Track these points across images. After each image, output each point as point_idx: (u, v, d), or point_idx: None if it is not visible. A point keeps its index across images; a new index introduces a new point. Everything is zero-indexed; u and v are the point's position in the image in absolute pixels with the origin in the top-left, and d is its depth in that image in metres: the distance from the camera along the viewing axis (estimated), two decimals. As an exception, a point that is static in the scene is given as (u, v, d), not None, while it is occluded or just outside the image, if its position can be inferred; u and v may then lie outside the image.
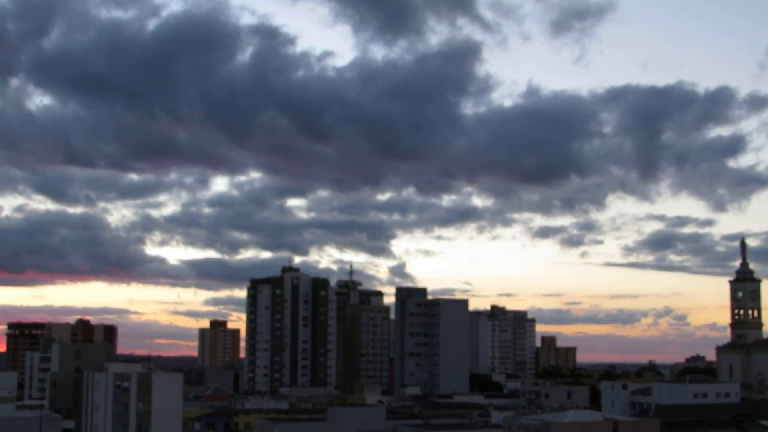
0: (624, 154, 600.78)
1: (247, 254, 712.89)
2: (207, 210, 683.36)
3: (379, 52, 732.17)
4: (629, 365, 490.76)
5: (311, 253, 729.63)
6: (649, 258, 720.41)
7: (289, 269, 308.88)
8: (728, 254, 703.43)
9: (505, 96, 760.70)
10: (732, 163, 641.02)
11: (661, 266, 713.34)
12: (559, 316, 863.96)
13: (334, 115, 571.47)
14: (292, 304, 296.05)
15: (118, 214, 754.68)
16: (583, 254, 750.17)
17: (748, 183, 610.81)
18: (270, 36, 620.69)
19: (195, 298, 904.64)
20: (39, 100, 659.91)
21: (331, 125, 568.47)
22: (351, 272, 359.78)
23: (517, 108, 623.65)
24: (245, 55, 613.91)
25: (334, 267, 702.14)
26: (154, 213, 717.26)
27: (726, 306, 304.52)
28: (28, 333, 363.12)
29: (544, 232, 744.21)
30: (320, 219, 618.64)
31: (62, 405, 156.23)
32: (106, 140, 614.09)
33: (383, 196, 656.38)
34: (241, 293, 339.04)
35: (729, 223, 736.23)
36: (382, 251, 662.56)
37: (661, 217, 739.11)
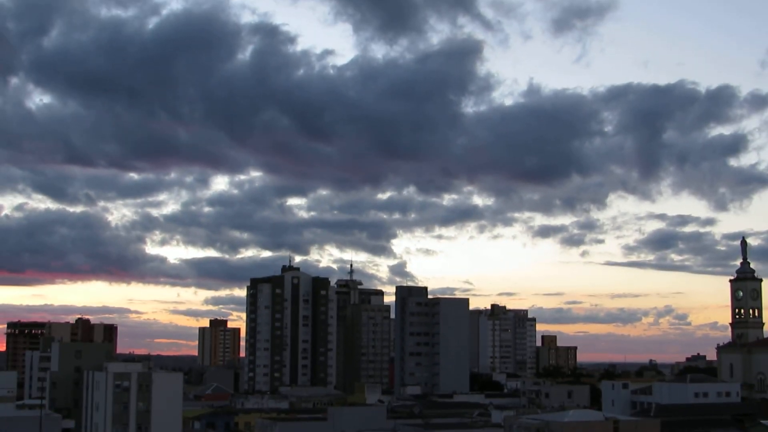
0: (625, 153, 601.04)
1: (248, 253, 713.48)
2: (207, 209, 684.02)
3: (379, 50, 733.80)
4: (630, 365, 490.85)
5: (311, 253, 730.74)
6: (650, 257, 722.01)
7: (289, 268, 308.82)
8: (729, 253, 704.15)
9: (506, 95, 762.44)
10: (733, 162, 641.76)
11: (662, 265, 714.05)
12: (560, 316, 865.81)
13: (335, 114, 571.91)
14: (293, 304, 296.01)
15: (118, 213, 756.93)
16: (584, 253, 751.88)
17: (749, 182, 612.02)
18: (270, 35, 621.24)
19: (195, 297, 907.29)
20: (39, 99, 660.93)
21: (331, 124, 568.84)
22: (351, 271, 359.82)
23: (518, 107, 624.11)
24: (245, 53, 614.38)
25: (335, 266, 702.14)
26: (154, 212, 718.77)
27: (727, 305, 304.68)
28: (28, 332, 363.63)
29: (545, 232, 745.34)
30: (320, 218, 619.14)
31: (62, 404, 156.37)
32: (106, 139, 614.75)
33: (384, 195, 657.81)
34: (241, 292, 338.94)
35: (730, 222, 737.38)
36: (383, 250, 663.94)
37: (662, 216, 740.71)
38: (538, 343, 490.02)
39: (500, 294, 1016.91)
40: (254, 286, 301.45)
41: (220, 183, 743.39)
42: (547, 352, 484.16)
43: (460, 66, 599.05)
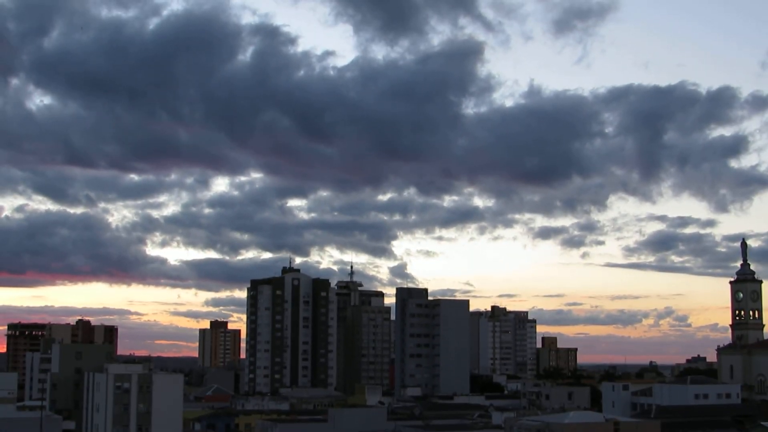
0: (625, 154, 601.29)
1: (248, 255, 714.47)
2: (207, 210, 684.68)
3: (380, 51, 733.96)
4: (630, 366, 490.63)
5: (312, 254, 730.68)
6: (651, 259, 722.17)
7: (289, 270, 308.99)
8: (730, 255, 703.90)
9: (507, 96, 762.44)
10: (734, 163, 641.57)
11: (663, 267, 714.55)
12: (560, 317, 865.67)
13: (335, 115, 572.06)
14: (293, 305, 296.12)
15: (119, 214, 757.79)
16: (584, 255, 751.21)
17: (750, 183, 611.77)
18: (271, 35, 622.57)
19: (195, 298, 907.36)
20: (39, 100, 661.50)
21: (332, 125, 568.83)
22: (351, 273, 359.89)
23: (519, 108, 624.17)
24: (246, 54, 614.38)
25: (335, 268, 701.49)
26: (155, 213, 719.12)
27: (727, 307, 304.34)
28: (29, 334, 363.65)
29: (545, 233, 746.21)
30: (321, 219, 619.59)
31: (62, 406, 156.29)
32: (106, 140, 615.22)
33: (384, 197, 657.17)
34: (242, 294, 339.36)
35: (730, 224, 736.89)
36: (383, 252, 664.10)
37: (662, 218, 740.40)
38: (539, 345, 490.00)
39: (500, 295, 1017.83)
40: (254, 287, 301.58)
41: (220, 184, 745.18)
42: (548, 354, 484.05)
43: (460, 67, 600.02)
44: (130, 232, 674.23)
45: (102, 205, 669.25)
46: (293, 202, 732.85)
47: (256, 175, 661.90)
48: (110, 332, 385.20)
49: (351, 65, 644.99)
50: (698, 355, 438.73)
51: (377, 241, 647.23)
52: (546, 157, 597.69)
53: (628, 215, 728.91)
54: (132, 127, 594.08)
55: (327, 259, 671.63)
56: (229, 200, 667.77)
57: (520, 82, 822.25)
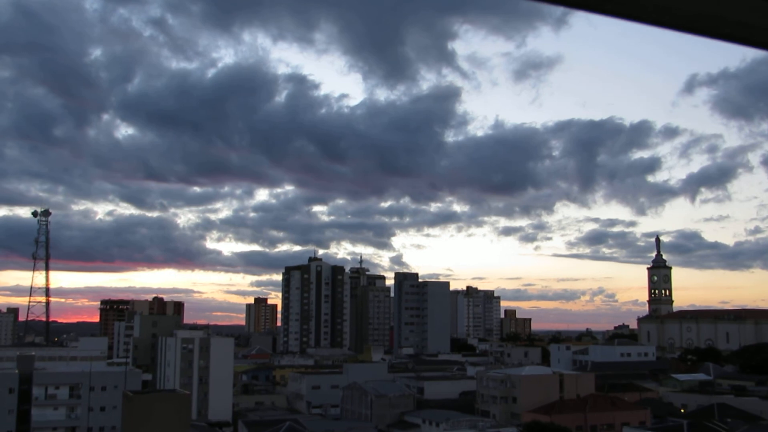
0: (568, 171, 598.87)
1: (283, 248, 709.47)
2: (252, 214, 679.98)
3: (382, 94, 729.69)
4: (571, 332, 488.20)
5: (331, 247, 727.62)
6: (587, 250, 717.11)
7: (314, 259, 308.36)
8: (647, 248, 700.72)
9: (478, 128, 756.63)
10: (650, 178, 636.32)
11: (596, 257, 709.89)
12: (518, 295, 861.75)
13: (349, 143, 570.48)
14: (317, 286, 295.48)
15: (185, 217, 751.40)
16: (537, 248, 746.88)
17: (662, 193, 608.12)
18: (300, 82, 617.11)
19: (243, 281, 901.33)
20: (124, 131, 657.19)
21: (346, 150, 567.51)
22: (361, 261, 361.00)
23: (487, 137, 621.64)
24: (281, 96, 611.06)
25: (348, 257, 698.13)
26: (212, 217, 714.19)
27: (644, 287, 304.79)
28: (116, 308, 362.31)
29: (507, 231, 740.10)
30: (338, 221, 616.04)
31: (142, 362, 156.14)
32: (175, 161, 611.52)
33: (385, 204, 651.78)
34: (278, 277, 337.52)
35: (648, 224, 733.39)
36: (385, 245, 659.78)
37: (596, 220, 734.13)
38: (502, 316, 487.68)
39: (473, 278, 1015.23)
40: (288, 272, 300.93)
41: (262, 195, 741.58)
42: (509, 323, 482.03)
43: (443, 106, 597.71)
44: (194, 230, 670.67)
45: (172, 210, 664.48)
46: (317, 208, 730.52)
47: (289, 188, 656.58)
48: (178, 306, 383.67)
49: (360, 105, 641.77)
50: (623, 324, 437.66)
51: (380, 237, 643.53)
52: (508, 174, 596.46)
53: (570, 218, 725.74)
54: (195, 151, 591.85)
55: (342, 251, 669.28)
56: (268, 207, 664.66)
57: (489, 118, 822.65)
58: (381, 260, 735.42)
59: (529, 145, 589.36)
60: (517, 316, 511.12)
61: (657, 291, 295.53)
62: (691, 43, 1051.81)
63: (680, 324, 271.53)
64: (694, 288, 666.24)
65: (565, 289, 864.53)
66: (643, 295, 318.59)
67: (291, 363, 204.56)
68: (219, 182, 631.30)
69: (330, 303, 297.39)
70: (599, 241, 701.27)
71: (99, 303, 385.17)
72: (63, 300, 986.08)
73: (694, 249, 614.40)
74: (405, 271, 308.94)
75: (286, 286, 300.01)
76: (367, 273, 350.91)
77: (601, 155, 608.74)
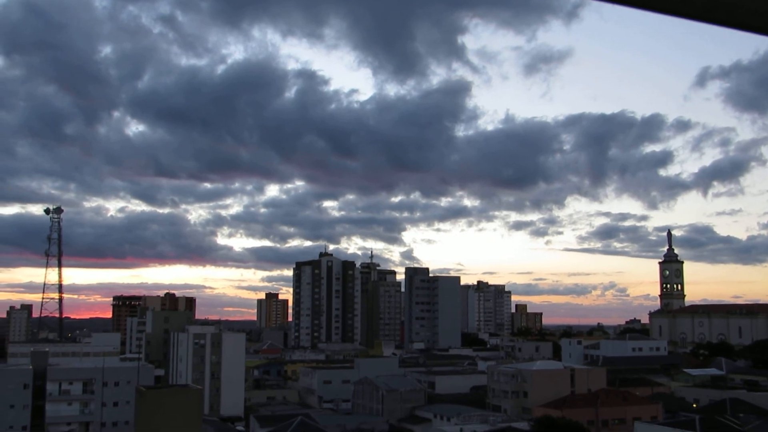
0: (579, 165, 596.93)
1: (293, 243, 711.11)
2: (263, 210, 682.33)
3: (392, 89, 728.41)
4: (583, 326, 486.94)
5: (342, 242, 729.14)
6: (598, 245, 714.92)
7: (324, 254, 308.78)
8: (659, 242, 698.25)
9: (489, 122, 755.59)
10: (662, 172, 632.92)
11: (607, 251, 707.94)
12: (529, 289, 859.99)
13: (359, 138, 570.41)
14: (327, 281, 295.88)
15: (196, 213, 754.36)
16: (548, 242, 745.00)
17: (674, 187, 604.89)
18: (310, 78, 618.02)
19: (254, 276, 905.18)
20: (135, 128, 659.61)
21: (356, 145, 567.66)
22: (371, 256, 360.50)
23: (498, 131, 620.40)
24: (291, 92, 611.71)
25: (359, 252, 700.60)
26: (223, 212, 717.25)
27: (656, 282, 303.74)
28: (129, 304, 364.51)
29: (518, 226, 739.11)
30: (348, 216, 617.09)
31: (154, 357, 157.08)
32: (186, 158, 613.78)
33: (396, 199, 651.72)
34: (289, 272, 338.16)
35: (659, 218, 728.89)
36: (395, 240, 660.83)
37: (607, 214, 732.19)
38: (513, 310, 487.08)
39: (484, 273, 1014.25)
40: (299, 267, 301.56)
41: (272, 190, 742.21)
42: (520, 317, 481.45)
43: (453, 101, 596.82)
44: (205, 226, 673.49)
45: (183, 206, 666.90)
46: (327, 203, 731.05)
47: (299, 183, 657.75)
48: (190, 302, 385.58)
49: (370, 100, 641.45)
50: (635, 318, 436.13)
51: (391, 232, 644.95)
52: (518, 169, 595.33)
53: (581, 212, 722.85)
54: (205, 148, 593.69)
55: (353, 246, 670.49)
56: (279, 202, 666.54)
57: (499, 112, 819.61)
58: (392, 255, 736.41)
59: (540, 139, 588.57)
60: (528, 310, 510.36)
61: (669, 285, 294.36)
62: (703, 36, 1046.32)
63: (692, 318, 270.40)
64: (706, 282, 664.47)
65: (576, 284, 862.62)
66: (655, 290, 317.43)
67: (302, 358, 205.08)
68: (229, 178, 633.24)
69: (341, 298, 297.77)
70: (611, 235, 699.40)
71: (111, 299, 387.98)
72: (76, 296, 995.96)
73: (707, 243, 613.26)
74: (415, 266, 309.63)
75: (297, 282, 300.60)
76: (377, 268, 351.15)
77: (612, 149, 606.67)
